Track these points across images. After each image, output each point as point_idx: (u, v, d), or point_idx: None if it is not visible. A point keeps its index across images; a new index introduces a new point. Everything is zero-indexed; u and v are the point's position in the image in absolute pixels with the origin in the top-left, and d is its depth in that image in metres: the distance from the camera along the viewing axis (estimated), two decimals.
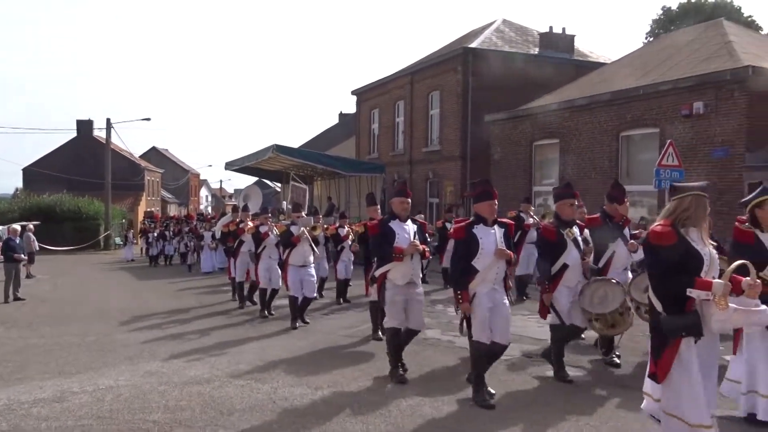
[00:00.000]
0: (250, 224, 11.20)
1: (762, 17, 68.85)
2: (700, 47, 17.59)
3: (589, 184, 17.37)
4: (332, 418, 5.18)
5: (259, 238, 10.60)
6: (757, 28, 31.82)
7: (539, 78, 22.51)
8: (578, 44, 26.19)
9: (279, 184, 29.32)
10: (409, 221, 6.43)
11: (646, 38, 37.47)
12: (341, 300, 11.92)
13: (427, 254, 6.46)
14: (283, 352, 7.73)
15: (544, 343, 7.66)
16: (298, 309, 9.43)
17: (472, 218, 5.74)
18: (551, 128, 19.41)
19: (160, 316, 10.85)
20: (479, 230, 5.57)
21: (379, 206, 9.22)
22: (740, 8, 36.42)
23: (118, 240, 38.25)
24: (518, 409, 5.43)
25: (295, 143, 42.04)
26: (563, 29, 25.72)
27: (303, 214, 9.94)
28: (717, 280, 3.68)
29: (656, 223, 3.96)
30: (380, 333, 8.37)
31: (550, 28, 25.64)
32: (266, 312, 10.38)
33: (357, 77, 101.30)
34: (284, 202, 15.42)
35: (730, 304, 3.63)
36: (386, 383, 6.22)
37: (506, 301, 5.68)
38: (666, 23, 36.53)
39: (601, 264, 6.82)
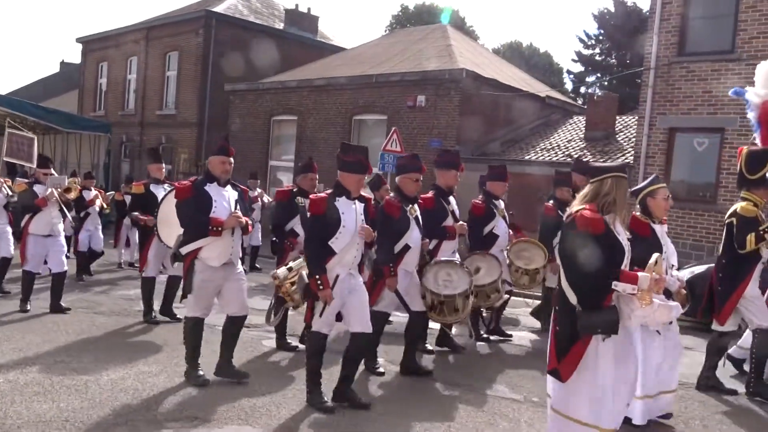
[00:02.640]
0: None
1: (479, 29, 78.48)
2: (427, 46, 19.31)
3: (321, 163, 18.00)
4: (16, 399, 4.59)
5: None
6: (475, 38, 36.01)
7: (282, 54, 22.71)
8: (322, 27, 26.89)
9: None
10: (229, 187, 5.28)
11: (386, 31, 40.02)
12: (83, 276, 10.08)
13: (250, 228, 5.37)
14: None
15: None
16: (52, 290, 7.66)
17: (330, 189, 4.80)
18: (290, 105, 19.70)
19: None
20: (342, 204, 4.69)
21: (163, 164, 7.85)
22: (464, 18, 40.95)
23: None
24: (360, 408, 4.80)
25: (4, 89, 36.45)
26: (308, 9, 26.18)
27: (52, 171, 8.14)
28: (642, 273, 3.42)
29: (579, 207, 3.57)
30: (154, 315, 7.41)
31: (296, 5, 25.93)
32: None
33: (83, 23, 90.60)
34: None
35: (654, 299, 3.41)
36: (86, 357, 5.71)
37: (362, 285, 4.91)
38: (403, 20, 39.42)
39: (431, 246, 6.23)
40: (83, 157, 22.44)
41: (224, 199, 5.16)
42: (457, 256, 6.60)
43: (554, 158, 15.09)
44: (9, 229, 8.46)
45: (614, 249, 3.49)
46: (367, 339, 4.85)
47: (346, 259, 4.70)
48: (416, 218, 5.61)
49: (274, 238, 6.56)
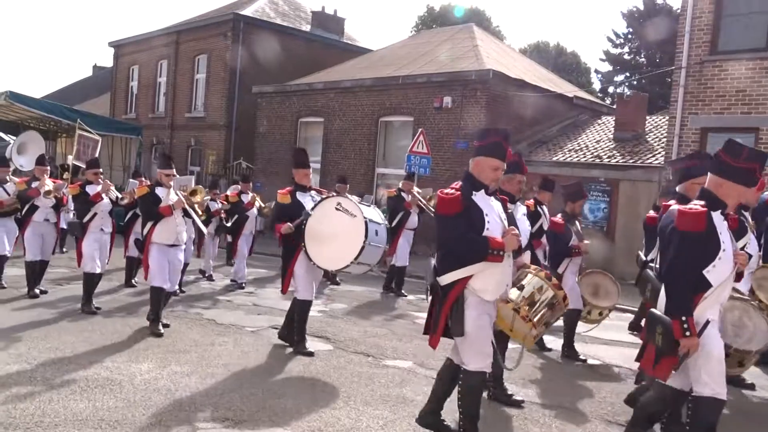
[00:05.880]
0: (50, 183, 8.24)
1: (505, 28, 78.05)
2: (453, 47, 19.29)
3: (348, 165, 18.14)
4: (53, 398, 4.71)
5: (86, 201, 7.60)
6: (501, 38, 35.83)
7: (309, 56, 22.90)
8: (348, 28, 27.03)
9: (14, 137, 25.77)
10: (492, 196, 4.17)
11: (412, 32, 40.02)
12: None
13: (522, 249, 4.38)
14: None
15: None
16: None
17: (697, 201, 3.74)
18: (317, 107, 19.84)
19: None
20: (718, 221, 3.64)
21: (310, 168, 6.64)
22: (490, 17, 40.77)
23: None
24: None
25: (39, 93, 37.29)
26: (335, 11, 26.35)
27: (174, 172, 7.11)
28: None
29: None
30: (306, 347, 6.28)
31: (323, 8, 26.11)
32: (92, 306, 7.66)
33: (115, 27, 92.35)
34: (69, 157, 13.18)
35: None
36: (120, 358, 5.81)
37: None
38: (429, 21, 39.39)
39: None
40: (115, 159, 22.87)
41: (494, 213, 4.06)
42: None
43: (582, 159, 14.93)
44: (108, 244, 7.87)
45: None
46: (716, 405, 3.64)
47: (723, 295, 3.69)
48: None
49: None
